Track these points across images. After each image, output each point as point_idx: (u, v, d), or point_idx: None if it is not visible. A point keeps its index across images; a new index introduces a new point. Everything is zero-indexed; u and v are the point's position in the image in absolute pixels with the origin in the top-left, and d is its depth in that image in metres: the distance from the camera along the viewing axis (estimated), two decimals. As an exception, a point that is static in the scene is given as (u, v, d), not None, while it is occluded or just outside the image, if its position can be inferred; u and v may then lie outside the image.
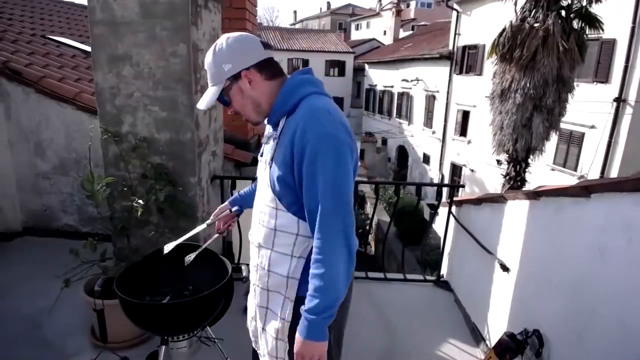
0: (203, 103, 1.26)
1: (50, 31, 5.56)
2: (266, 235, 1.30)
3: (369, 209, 14.00)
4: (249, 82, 1.23)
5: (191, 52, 2.31)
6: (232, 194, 3.01)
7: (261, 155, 1.36)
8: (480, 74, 13.43)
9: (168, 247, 1.60)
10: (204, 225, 1.62)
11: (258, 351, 1.47)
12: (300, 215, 1.22)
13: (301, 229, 1.24)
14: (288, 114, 1.22)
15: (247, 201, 1.63)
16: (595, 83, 9.55)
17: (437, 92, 16.44)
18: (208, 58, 1.25)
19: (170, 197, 2.39)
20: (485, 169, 13.05)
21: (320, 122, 1.13)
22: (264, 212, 1.30)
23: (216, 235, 1.64)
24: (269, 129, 1.33)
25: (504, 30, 7.95)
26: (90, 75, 3.95)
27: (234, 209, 1.63)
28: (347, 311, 1.45)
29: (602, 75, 9.42)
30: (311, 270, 1.15)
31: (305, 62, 26.15)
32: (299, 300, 1.22)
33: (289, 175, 1.18)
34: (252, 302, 1.44)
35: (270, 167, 1.24)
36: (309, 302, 1.14)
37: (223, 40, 1.24)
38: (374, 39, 29.99)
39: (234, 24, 3.50)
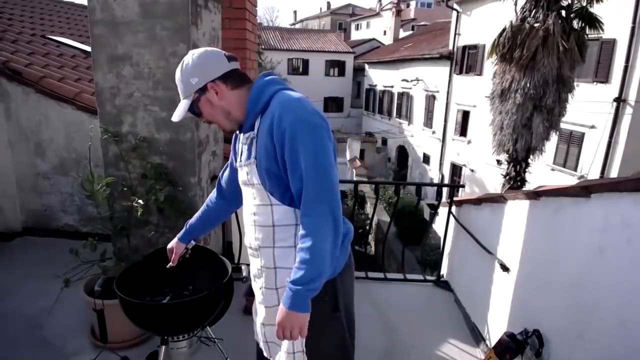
0: (175, 115, 1.31)
1: (50, 31, 5.56)
2: (265, 235, 1.32)
3: (369, 209, 13.99)
4: (216, 93, 1.28)
5: (191, 52, 2.31)
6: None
7: (240, 161, 1.37)
8: (480, 74, 13.43)
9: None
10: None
11: (268, 356, 1.45)
12: (295, 205, 1.25)
13: (299, 217, 1.25)
14: (261, 113, 1.27)
15: (197, 230, 1.66)
16: (595, 83, 9.55)
17: (437, 92, 16.44)
18: (177, 74, 1.31)
19: (170, 197, 2.39)
20: (485, 169, 13.06)
21: (294, 108, 1.19)
22: (258, 213, 1.32)
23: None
24: (243, 137, 1.36)
25: (504, 30, 7.95)
26: (90, 75, 3.95)
27: (189, 245, 1.67)
28: (352, 298, 1.46)
29: (602, 75, 9.42)
30: (298, 245, 1.18)
31: (305, 62, 26.16)
32: None
33: (274, 163, 1.22)
34: (261, 307, 1.42)
35: (257, 164, 1.27)
36: (295, 274, 1.16)
37: (189, 56, 1.30)
38: (374, 39, 29.99)
39: (234, 24, 3.50)
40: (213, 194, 1.66)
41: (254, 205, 1.33)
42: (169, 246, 1.67)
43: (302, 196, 1.18)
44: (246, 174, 1.33)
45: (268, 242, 1.32)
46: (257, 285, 1.42)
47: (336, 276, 1.33)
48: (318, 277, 1.16)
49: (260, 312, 1.44)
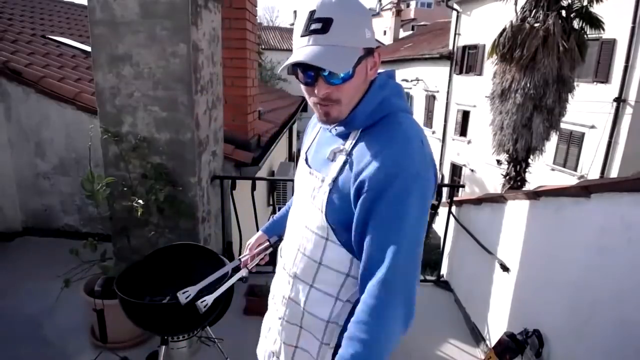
0: (335, 65, 0.85)
1: (50, 31, 5.55)
2: (306, 266, 1.04)
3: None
4: (373, 66, 0.93)
5: (191, 52, 2.31)
6: (232, 194, 3.01)
7: (306, 162, 1.08)
8: (480, 74, 13.43)
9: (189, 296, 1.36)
10: (236, 263, 1.38)
11: None
12: (357, 254, 0.97)
13: (354, 268, 0.98)
14: (365, 127, 0.95)
15: (284, 226, 1.29)
16: (595, 83, 9.55)
17: (437, 92, 16.45)
18: (343, 5, 0.86)
19: (170, 197, 2.39)
20: (485, 169, 13.05)
21: (413, 157, 0.88)
22: (307, 238, 1.03)
23: (243, 272, 1.33)
24: (326, 132, 1.04)
25: (504, 30, 7.96)
26: (90, 75, 3.95)
27: (271, 239, 1.34)
28: None
29: (602, 75, 9.42)
30: (352, 328, 0.86)
31: (305, 62, 26.17)
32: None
33: (349, 206, 0.92)
34: (274, 335, 1.17)
35: (331, 188, 0.95)
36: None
37: None
38: (374, 39, 29.94)
39: (234, 24, 3.50)
40: None
41: (306, 227, 1.03)
42: (248, 241, 1.37)
43: (375, 266, 0.86)
44: (312, 188, 1.01)
45: (306, 277, 1.04)
46: (274, 309, 1.17)
47: None
48: None
49: (270, 339, 1.19)
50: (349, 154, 0.94)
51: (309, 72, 0.88)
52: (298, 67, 0.89)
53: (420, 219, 0.88)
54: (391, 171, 0.85)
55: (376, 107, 0.94)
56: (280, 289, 1.13)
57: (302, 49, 0.86)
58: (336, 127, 0.99)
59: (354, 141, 0.95)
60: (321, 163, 1.02)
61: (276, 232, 1.36)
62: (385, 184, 0.85)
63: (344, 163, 0.94)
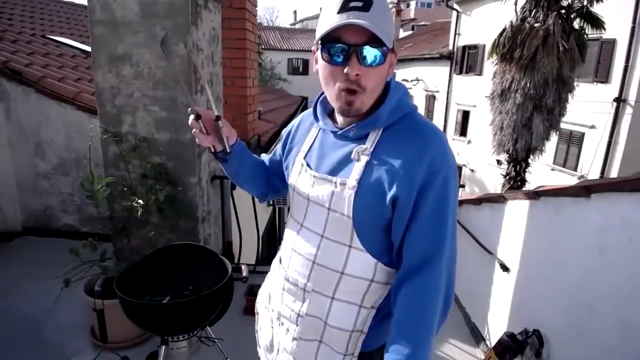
0: (384, 34, 0.84)
1: (50, 31, 5.55)
2: (325, 278, 0.98)
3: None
4: (391, 65, 0.94)
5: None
6: (232, 194, 3.01)
7: (309, 167, 1.03)
8: (480, 74, 13.44)
9: None
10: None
11: None
12: (384, 259, 0.96)
13: (378, 274, 0.96)
14: (385, 127, 0.95)
15: (240, 148, 1.14)
16: (595, 83, 9.55)
17: (437, 92, 16.46)
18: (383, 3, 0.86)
19: (170, 197, 2.39)
20: (485, 169, 13.06)
21: (446, 151, 0.91)
22: (324, 249, 0.98)
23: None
24: (329, 135, 1.02)
25: (504, 30, 7.97)
26: (90, 75, 3.95)
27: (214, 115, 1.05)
28: None
29: (602, 75, 9.43)
30: (418, 324, 0.92)
31: (305, 62, 26.16)
32: (364, 357, 1.00)
33: (379, 205, 0.91)
34: (286, 356, 1.09)
35: (357, 191, 0.92)
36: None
37: None
38: (374, 39, 29.94)
39: (234, 24, 3.50)
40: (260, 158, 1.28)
41: (322, 236, 0.98)
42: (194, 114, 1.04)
43: (423, 265, 0.89)
44: (328, 193, 0.96)
45: (326, 289, 0.99)
46: (283, 329, 1.08)
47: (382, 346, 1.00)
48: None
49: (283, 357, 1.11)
50: (373, 153, 0.93)
51: (341, 45, 0.85)
52: (329, 44, 0.87)
53: (455, 207, 0.93)
54: (433, 167, 0.88)
55: (395, 106, 0.95)
56: (287, 306, 1.06)
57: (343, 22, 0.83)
58: (353, 130, 0.96)
59: (375, 141, 0.94)
60: (333, 167, 0.98)
61: (231, 142, 1.11)
62: (429, 180, 0.87)
63: (368, 163, 0.92)
